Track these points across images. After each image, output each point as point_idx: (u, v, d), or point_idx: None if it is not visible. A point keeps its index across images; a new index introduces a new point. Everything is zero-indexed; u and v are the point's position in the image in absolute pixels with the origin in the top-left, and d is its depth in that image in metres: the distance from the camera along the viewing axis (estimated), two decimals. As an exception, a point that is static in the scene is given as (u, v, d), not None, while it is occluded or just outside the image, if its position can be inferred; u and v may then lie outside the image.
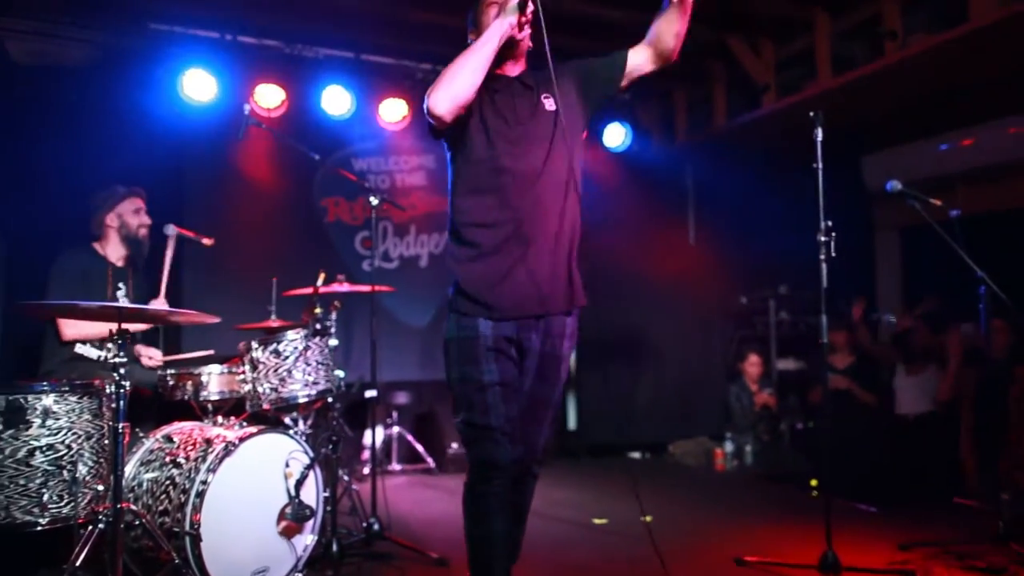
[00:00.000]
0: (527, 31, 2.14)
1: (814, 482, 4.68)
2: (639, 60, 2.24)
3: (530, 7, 2.09)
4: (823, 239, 3.06)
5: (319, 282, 3.43)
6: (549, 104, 2.18)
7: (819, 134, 3.12)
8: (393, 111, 5.45)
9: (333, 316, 3.46)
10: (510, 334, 2.12)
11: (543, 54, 2.08)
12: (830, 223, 3.07)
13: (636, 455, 5.99)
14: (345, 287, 3.73)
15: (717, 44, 5.54)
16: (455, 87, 2.02)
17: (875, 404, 5.08)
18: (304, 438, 3.03)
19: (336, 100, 5.26)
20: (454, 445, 5.10)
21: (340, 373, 3.33)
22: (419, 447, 5.20)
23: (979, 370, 4.30)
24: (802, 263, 3.55)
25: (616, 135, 5.98)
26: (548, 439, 2.32)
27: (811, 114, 3.13)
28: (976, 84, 5.01)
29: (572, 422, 6.30)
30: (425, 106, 2.05)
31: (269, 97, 5.11)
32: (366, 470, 4.76)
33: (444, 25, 5.11)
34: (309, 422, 3.37)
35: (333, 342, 3.30)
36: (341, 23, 5.10)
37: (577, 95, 2.24)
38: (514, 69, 2.24)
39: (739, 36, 5.48)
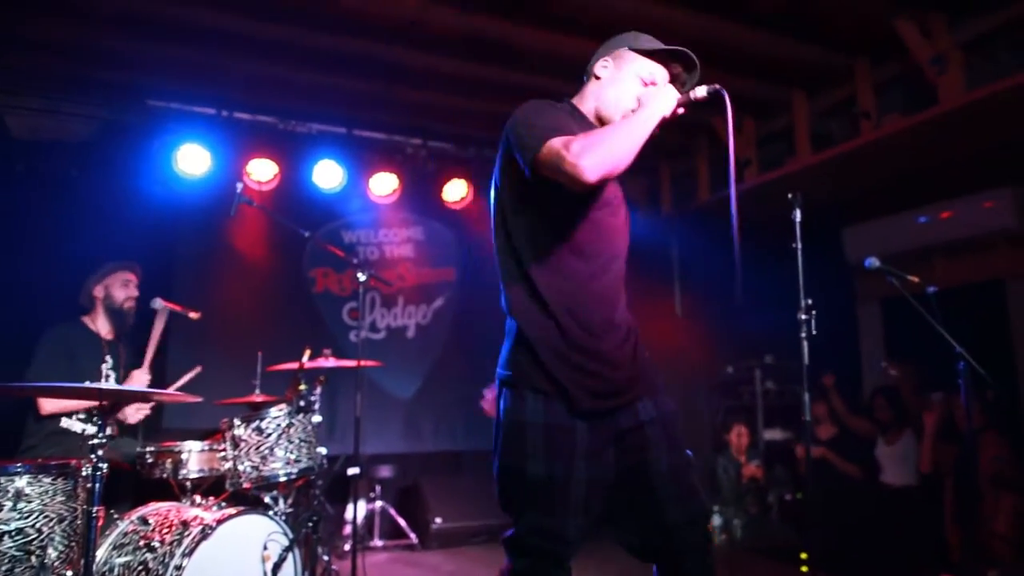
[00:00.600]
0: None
1: (804, 556, 4.61)
2: None
3: (692, 101, 1.92)
4: (803, 317, 3.10)
5: (304, 358, 3.44)
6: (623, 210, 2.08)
7: (798, 215, 3.19)
8: (383, 184, 5.56)
9: (318, 391, 3.45)
10: None
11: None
12: (810, 301, 3.11)
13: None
14: (331, 362, 3.74)
15: (701, 122, 5.73)
16: (615, 157, 1.74)
17: (858, 475, 5.05)
18: (284, 518, 2.99)
19: (328, 174, 5.37)
20: (438, 520, 5.01)
21: (322, 450, 3.30)
22: (402, 522, 5.10)
23: (958, 442, 4.29)
24: (788, 332, 3.60)
25: None
26: None
27: (789, 196, 3.21)
28: (950, 160, 5.17)
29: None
30: (569, 167, 1.71)
31: (262, 171, 5.22)
32: (347, 546, 4.66)
33: (432, 103, 5.30)
34: (290, 501, 3.32)
35: (316, 418, 3.29)
36: (334, 100, 5.26)
37: None
38: None
39: (722, 115, 5.66)
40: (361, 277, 3.57)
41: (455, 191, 5.75)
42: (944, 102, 4.33)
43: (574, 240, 1.89)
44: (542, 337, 1.85)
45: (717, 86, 1.88)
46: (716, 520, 5.56)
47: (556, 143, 1.75)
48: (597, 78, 2.03)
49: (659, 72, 1.99)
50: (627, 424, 1.88)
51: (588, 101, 2.05)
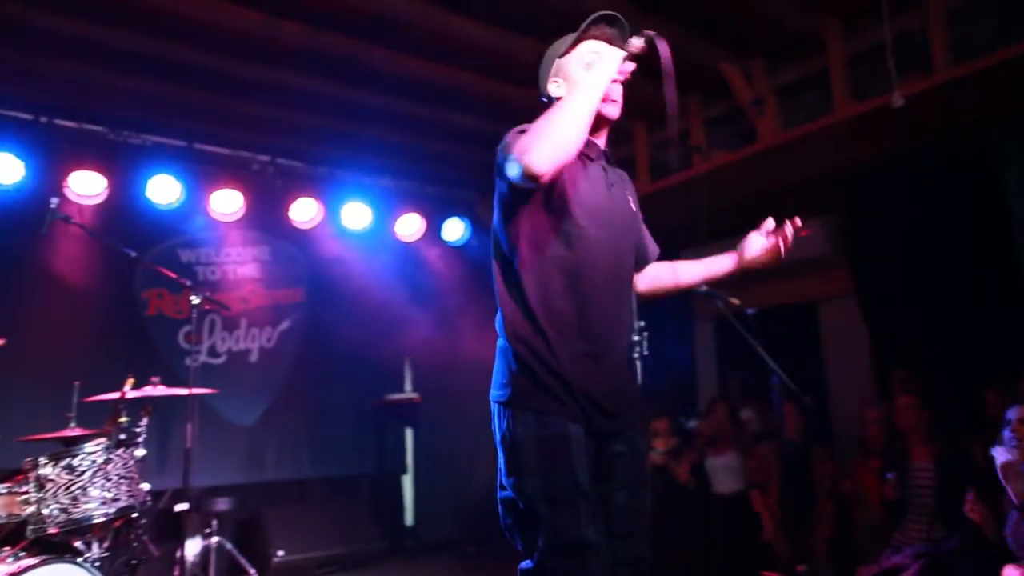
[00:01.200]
0: (618, 96, 1.94)
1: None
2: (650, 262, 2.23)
3: (629, 66, 1.87)
4: (636, 338, 3.27)
5: (126, 387, 3.18)
6: (633, 204, 2.04)
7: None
8: (227, 202, 5.28)
9: (144, 422, 3.20)
10: None
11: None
12: (643, 323, 3.30)
13: (472, 548, 5.88)
14: (160, 390, 3.48)
15: (635, 106, 5.84)
16: (561, 141, 1.68)
17: (692, 484, 5.34)
18: (97, 564, 2.73)
19: (164, 189, 5.03)
20: (280, 552, 4.77)
21: (145, 486, 3.06)
22: (240, 558, 4.81)
23: (779, 451, 4.67)
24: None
25: (455, 230, 6.14)
26: None
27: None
28: (772, 192, 5.67)
29: (409, 517, 6.13)
30: (517, 168, 1.67)
31: (87, 184, 4.81)
32: (180, 589, 4.32)
33: (281, 119, 5.13)
34: (106, 544, 3.04)
35: (140, 452, 3.06)
36: (174, 111, 4.96)
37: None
38: (603, 139, 2.02)
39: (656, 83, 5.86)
40: (195, 300, 3.36)
41: (304, 210, 5.56)
42: (763, 140, 4.76)
43: (566, 254, 1.84)
44: (538, 354, 1.80)
45: (652, 32, 1.85)
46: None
47: (510, 148, 1.72)
48: (558, 98, 1.96)
49: (597, 46, 1.95)
50: (605, 452, 1.85)
51: None
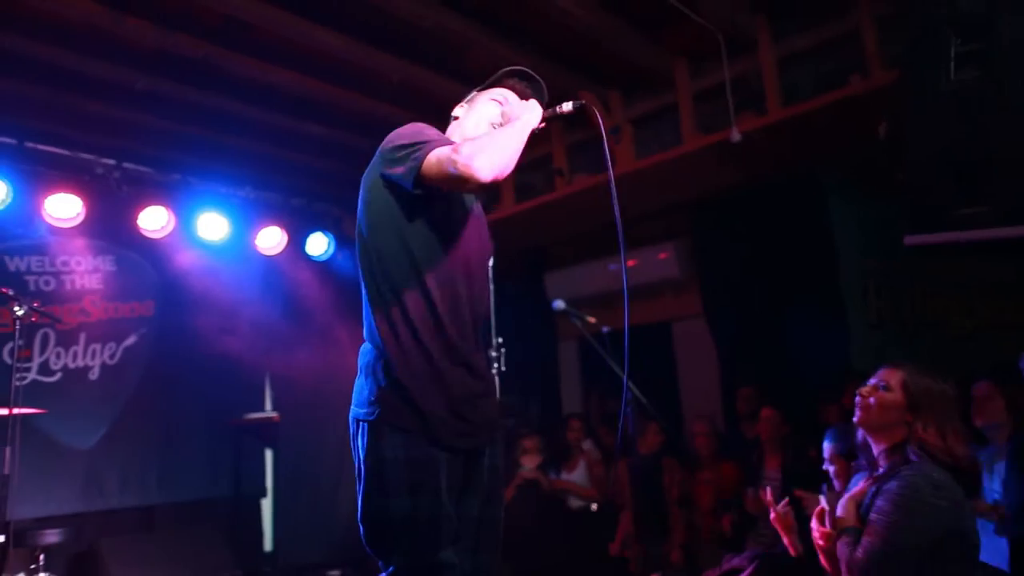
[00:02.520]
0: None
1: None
2: None
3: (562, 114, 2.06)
4: (494, 354, 3.34)
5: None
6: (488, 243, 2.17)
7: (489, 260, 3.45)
8: (64, 207, 4.85)
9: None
10: None
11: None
12: (500, 340, 3.38)
13: (336, 573, 5.73)
14: (-26, 411, 3.16)
15: None
16: (505, 157, 1.82)
17: (559, 496, 5.49)
18: None
19: (-12, 190, 4.58)
20: (119, 587, 4.43)
21: (-46, 518, 2.76)
22: (74, 595, 4.43)
23: (631, 466, 4.90)
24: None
25: (319, 244, 6.00)
26: None
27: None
28: (632, 216, 5.98)
29: (268, 542, 5.88)
30: (463, 168, 1.74)
31: None
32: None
33: (128, 121, 4.84)
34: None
35: (-53, 480, 2.74)
36: (1, 106, 4.55)
37: None
38: None
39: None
40: (18, 311, 3.09)
41: (154, 219, 5.23)
42: (620, 166, 5.02)
43: (440, 264, 1.89)
44: (408, 367, 1.81)
45: (583, 101, 2.03)
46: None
47: (444, 150, 1.79)
48: (456, 118, 2.16)
49: (507, 92, 2.12)
50: (467, 467, 1.88)
51: (454, 138, 2.06)
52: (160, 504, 5.31)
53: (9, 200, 4.61)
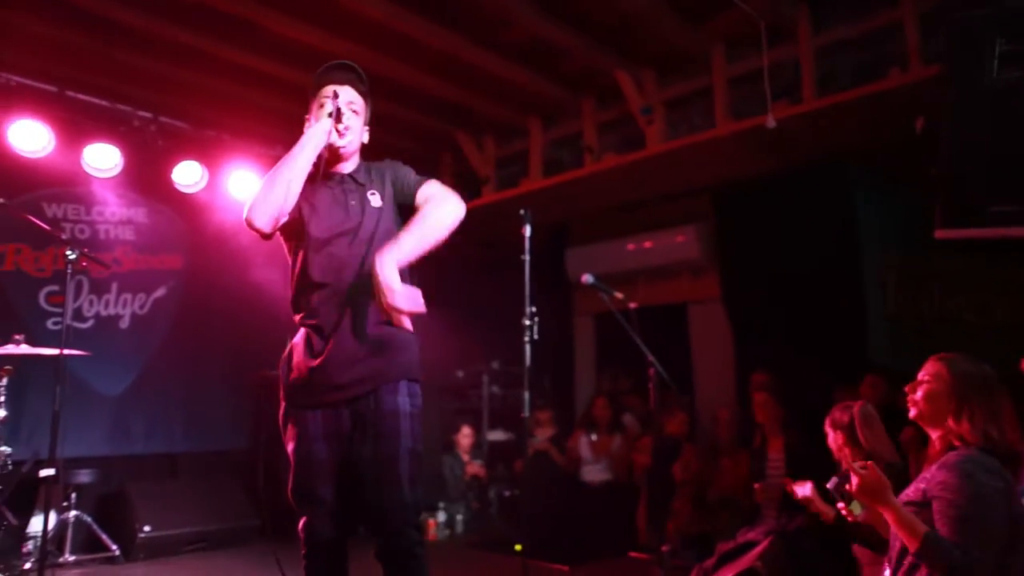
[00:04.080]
0: (350, 135, 2.20)
1: (518, 547, 5.01)
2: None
3: (351, 112, 2.20)
4: (527, 323, 3.42)
5: (-11, 343, 2.97)
6: (375, 200, 2.24)
7: (528, 230, 3.52)
8: (102, 157, 4.94)
9: (3, 382, 3.01)
10: None
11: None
12: (534, 309, 3.45)
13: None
14: (23, 349, 3.26)
15: (447, 136, 6.00)
16: (271, 201, 2.02)
17: (570, 470, 5.63)
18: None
19: (29, 135, 4.64)
20: (147, 528, 4.57)
21: (6, 449, 2.88)
22: (101, 533, 4.56)
23: (654, 443, 5.01)
24: (513, 340, 3.91)
25: None
26: None
27: (521, 212, 3.53)
28: (654, 197, 6.04)
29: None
30: (244, 219, 2.05)
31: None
32: (27, 564, 4.05)
33: (166, 75, 4.88)
34: (-42, 510, 2.83)
35: (0, 413, 2.86)
36: (43, 51, 4.59)
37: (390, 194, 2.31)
38: (348, 166, 2.27)
39: (466, 132, 6.01)
40: (71, 255, 3.17)
41: (187, 174, 5.31)
42: (650, 147, 5.07)
43: (303, 267, 2.16)
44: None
45: (336, 98, 2.19)
46: (441, 516, 5.82)
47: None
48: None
49: (329, 91, 2.21)
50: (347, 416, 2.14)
51: None
52: (183, 452, 5.45)
53: (50, 148, 4.67)
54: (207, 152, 5.43)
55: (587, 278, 4.01)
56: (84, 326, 5.07)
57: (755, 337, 5.51)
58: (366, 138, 2.32)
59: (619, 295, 4.10)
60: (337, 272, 2.13)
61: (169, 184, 5.29)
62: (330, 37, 4.49)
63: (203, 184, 5.38)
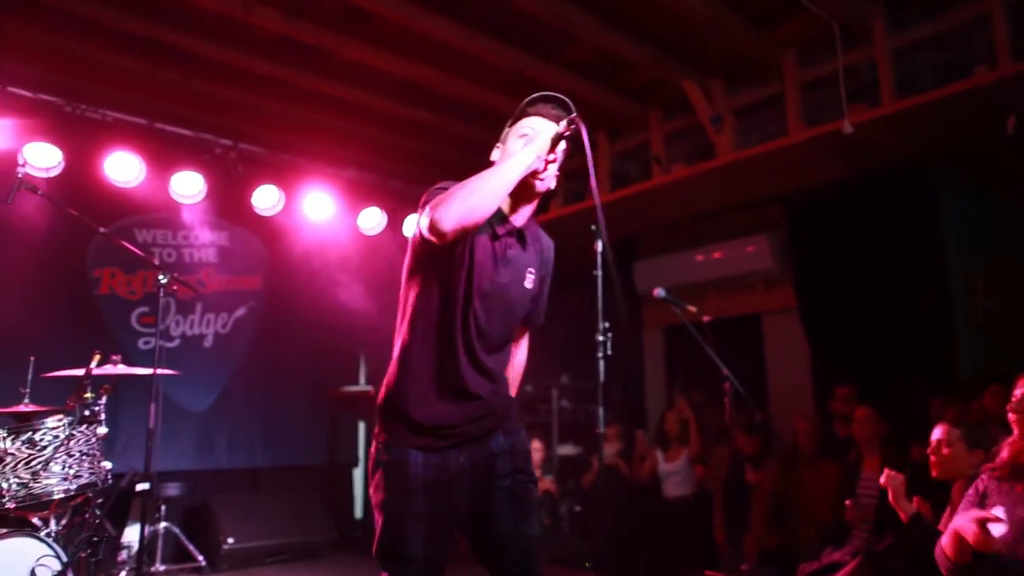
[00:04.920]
0: (551, 173, 1.99)
1: (587, 564, 4.97)
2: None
3: (562, 146, 1.96)
4: (600, 338, 3.40)
5: (93, 364, 3.14)
6: (529, 281, 2.07)
7: (599, 245, 3.51)
8: (188, 184, 5.19)
9: (103, 401, 3.17)
10: None
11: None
12: (607, 324, 3.44)
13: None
14: (120, 368, 3.44)
15: None
16: (471, 203, 1.78)
17: (643, 484, 5.53)
18: (56, 539, 2.70)
19: (123, 166, 4.92)
20: (230, 540, 4.74)
21: (107, 464, 3.04)
22: (189, 544, 4.75)
23: (730, 459, 4.89)
24: (582, 355, 3.88)
25: (372, 220, 6.08)
26: None
27: (592, 227, 3.52)
28: (724, 207, 5.93)
29: (358, 510, 6.15)
30: (426, 220, 1.81)
31: (43, 156, 4.66)
32: (123, 573, 4.25)
33: (245, 104, 5.10)
34: (63, 522, 3.00)
35: (103, 430, 3.02)
36: (133, 86, 4.88)
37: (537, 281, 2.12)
38: (520, 217, 2.04)
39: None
40: (163, 280, 3.34)
41: (265, 197, 5.52)
42: (720, 157, 4.99)
43: (437, 317, 1.96)
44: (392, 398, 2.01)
45: (572, 115, 1.92)
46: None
47: (427, 201, 1.87)
48: (493, 162, 2.06)
49: (536, 123, 2.02)
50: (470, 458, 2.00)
51: None
52: (263, 467, 5.63)
53: (141, 177, 4.94)
54: (283, 176, 5.63)
55: (659, 292, 3.96)
56: (171, 345, 5.32)
57: (833, 348, 5.32)
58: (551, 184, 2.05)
59: (692, 308, 4.04)
60: (474, 332, 1.96)
61: (249, 208, 5.51)
62: (400, 60, 4.61)
63: (280, 207, 5.58)
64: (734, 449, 4.80)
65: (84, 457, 2.87)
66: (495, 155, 2.09)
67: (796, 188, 5.47)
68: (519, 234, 2.03)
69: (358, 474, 6.24)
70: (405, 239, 6.20)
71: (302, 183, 5.68)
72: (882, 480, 2.74)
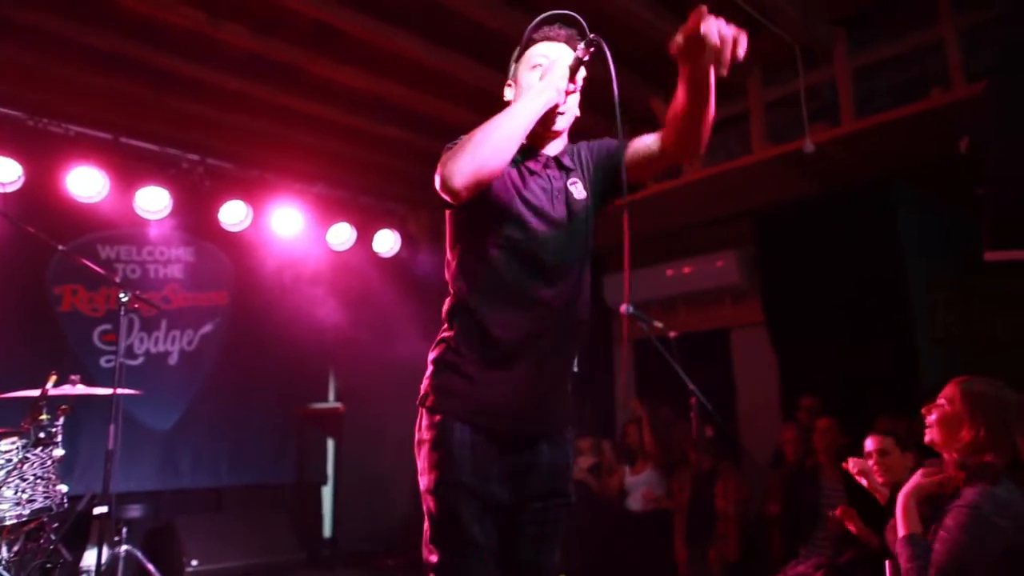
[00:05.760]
0: (574, 101, 1.84)
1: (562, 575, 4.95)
2: (646, 143, 1.87)
3: (582, 73, 1.78)
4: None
5: (49, 384, 3.07)
6: (578, 191, 1.87)
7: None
8: (153, 199, 5.12)
9: (60, 422, 3.10)
10: None
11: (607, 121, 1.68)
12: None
13: (391, 562, 5.87)
14: (79, 388, 3.36)
15: None
16: (481, 155, 1.61)
17: (611, 499, 5.54)
18: (8, 567, 2.63)
19: (86, 181, 4.83)
20: (194, 562, 4.64)
21: (63, 488, 2.96)
22: (150, 567, 4.64)
23: (692, 470, 4.92)
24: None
25: (386, 241, 6.15)
26: None
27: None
28: (692, 223, 6.00)
29: (327, 528, 6.06)
30: (438, 177, 1.65)
31: (3, 170, 4.58)
32: (82, 599, 4.14)
33: (213, 119, 5.06)
34: (16, 548, 2.91)
35: (59, 452, 2.95)
36: (98, 101, 4.82)
37: (592, 180, 1.92)
38: (555, 147, 1.89)
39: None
40: (123, 298, 3.29)
41: (233, 213, 5.46)
42: (687, 174, 5.06)
43: (496, 265, 1.77)
44: (448, 360, 1.80)
45: (593, 35, 1.73)
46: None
47: (441, 161, 1.67)
48: (508, 102, 1.88)
49: (548, 49, 1.84)
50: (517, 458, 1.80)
51: None
52: (229, 486, 5.54)
53: (105, 192, 4.86)
54: (251, 191, 5.58)
55: (626, 308, 3.99)
56: (135, 363, 5.21)
57: (800, 362, 5.40)
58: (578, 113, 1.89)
59: (659, 324, 4.08)
60: (543, 276, 1.75)
61: (216, 223, 5.45)
62: (370, 76, 4.61)
63: (248, 222, 5.52)
64: (692, 465, 4.84)
65: (38, 480, 2.81)
66: (508, 94, 1.91)
67: (763, 205, 5.56)
68: (556, 162, 1.86)
69: (327, 492, 6.16)
70: (374, 254, 6.20)
71: (270, 198, 5.63)
72: (851, 467, 2.82)
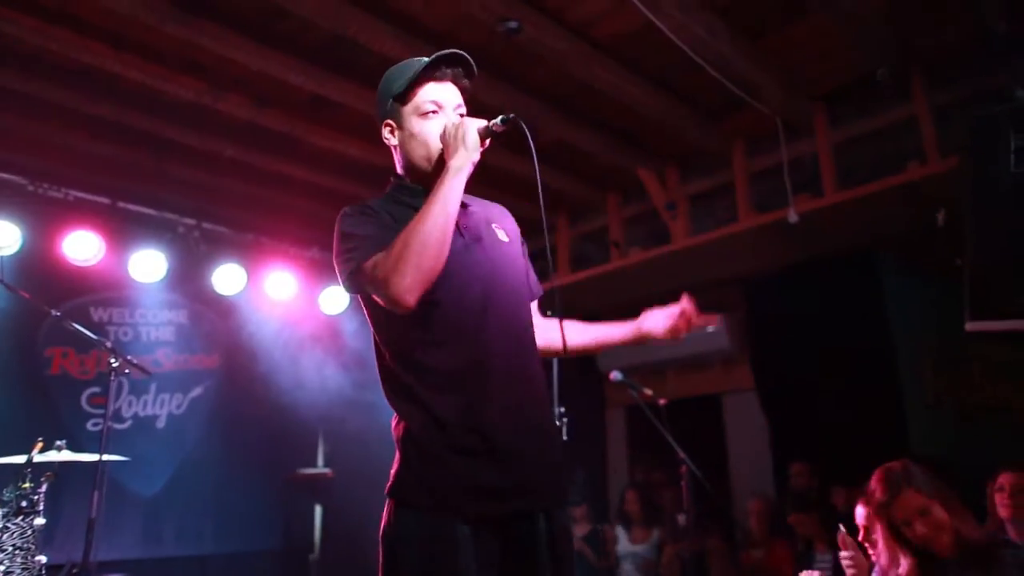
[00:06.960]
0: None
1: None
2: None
3: (488, 141, 1.69)
4: (557, 423, 3.42)
5: (35, 451, 3.04)
6: (502, 233, 1.86)
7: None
8: (147, 262, 5.17)
9: (43, 489, 3.07)
10: None
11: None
12: (563, 409, 3.46)
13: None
14: (65, 455, 3.33)
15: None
16: (427, 264, 1.55)
17: (607, 569, 5.44)
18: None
19: (82, 245, 4.89)
20: (175, 635, 4.51)
21: (42, 558, 2.91)
22: (131, 640, 4.50)
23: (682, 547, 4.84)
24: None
25: (334, 300, 6.09)
26: None
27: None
28: (681, 288, 6.05)
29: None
30: (385, 296, 1.57)
31: (1, 235, 4.63)
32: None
33: (209, 185, 5.16)
34: (-8, 621, 2.85)
35: (39, 521, 2.91)
36: (97, 167, 4.92)
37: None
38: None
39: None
40: (114, 363, 3.30)
41: (227, 276, 5.51)
42: (675, 242, 5.15)
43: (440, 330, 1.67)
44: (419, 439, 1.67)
45: (511, 115, 1.69)
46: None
47: (367, 265, 1.59)
48: (394, 147, 1.81)
49: (437, 93, 1.76)
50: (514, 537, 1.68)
51: (403, 169, 1.83)
52: (214, 554, 5.41)
53: (100, 256, 4.92)
54: (246, 254, 5.65)
55: (615, 375, 4.02)
56: (122, 427, 5.16)
57: (791, 427, 5.40)
58: None
59: (648, 391, 4.10)
60: (493, 328, 1.68)
61: (209, 286, 5.49)
62: (367, 145, 4.73)
63: (242, 286, 5.56)
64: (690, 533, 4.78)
65: (17, 551, 2.76)
66: (387, 136, 1.80)
67: (751, 271, 5.64)
68: (462, 207, 1.75)
69: (314, 560, 6.02)
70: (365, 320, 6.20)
71: (265, 262, 5.70)
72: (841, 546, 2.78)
